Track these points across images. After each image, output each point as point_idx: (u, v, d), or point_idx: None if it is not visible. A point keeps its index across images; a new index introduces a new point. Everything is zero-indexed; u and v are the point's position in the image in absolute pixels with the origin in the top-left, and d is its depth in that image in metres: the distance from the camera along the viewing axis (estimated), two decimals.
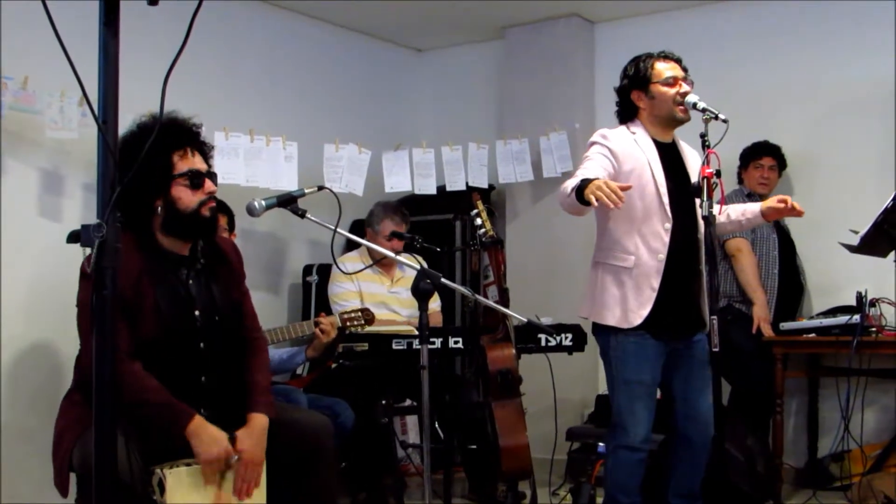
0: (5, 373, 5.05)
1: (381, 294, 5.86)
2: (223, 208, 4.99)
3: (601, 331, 4.47)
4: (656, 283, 4.29)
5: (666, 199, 4.30)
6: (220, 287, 3.75)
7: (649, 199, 4.30)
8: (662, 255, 4.29)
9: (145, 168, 3.37)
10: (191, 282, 3.67)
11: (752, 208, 4.50)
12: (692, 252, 4.32)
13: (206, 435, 3.42)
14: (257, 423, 3.61)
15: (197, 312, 3.64)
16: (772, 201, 4.39)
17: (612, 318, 4.36)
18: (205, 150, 3.71)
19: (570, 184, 4.04)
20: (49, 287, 5.10)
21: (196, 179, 3.60)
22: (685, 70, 4.42)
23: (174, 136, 3.58)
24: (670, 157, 4.42)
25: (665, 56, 4.42)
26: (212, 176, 3.67)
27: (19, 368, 5.11)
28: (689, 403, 4.43)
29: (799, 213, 4.30)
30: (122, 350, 3.36)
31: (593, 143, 4.35)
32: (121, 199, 2.01)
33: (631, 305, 4.31)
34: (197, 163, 3.63)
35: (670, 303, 4.30)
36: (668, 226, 4.30)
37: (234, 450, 3.46)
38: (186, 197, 3.59)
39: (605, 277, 4.40)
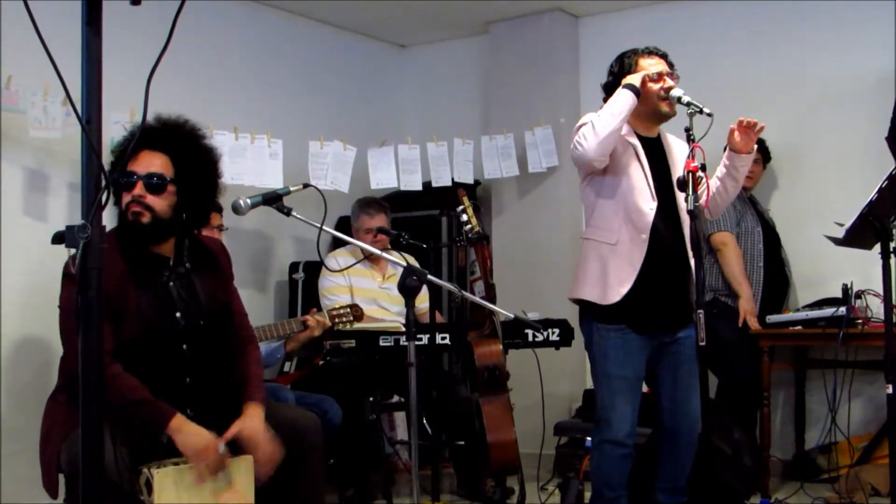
0: None
1: (372, 290, 5.86)
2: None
3: (585, 322, 4.51)
4: (638, 263, 4.30)
5: (651, 180, 4.33)
6: (205, 289, 3.74)
7: (635, 178, 4.33)
8: (645, 236, 4.30)
9: (116, 172, 3.39)
10: (171, 284, 3.66)
11: (725, 160, 4.45)
12: (678, 246, 4.32)
13: (189, 429, 3.44)
14: (255, 412, 3.65)
15: (178, 315, 3.63)
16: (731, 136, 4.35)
17: (592, 294, 4.39)
18: (179, 152, 3.65)
19: (603, 111, 4.26)
20: (34, 286, 5.08)
21: (127, 180, 3.56)
22: (671, 65, 4.44)
23: (140, 138, 3.55)
24: (654, 152, 4.44)
25: (650, 51, 4.44)
26: (153, 178, 3.57)
27: (6, 366, 5.09)
28: (676, 401, 4.44)
29: (752, 123, 4.27)
30: (104, 352, 3.36)
31: (584, 125, 4.33)
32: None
33: (611, 282, 4.32)
34: (143, 165, 3.57)
35: (654, 294, 4.31)
36: (654, 205, 4.31)
37: (219, 443, 3.47)
38: (122, 199, 3.59)
39: (589, 254, 4.44)
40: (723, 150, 6.08)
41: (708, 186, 4.22)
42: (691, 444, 4.44)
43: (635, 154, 4.37)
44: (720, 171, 4.45)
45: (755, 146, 4.41)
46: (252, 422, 3.60)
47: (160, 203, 3.58)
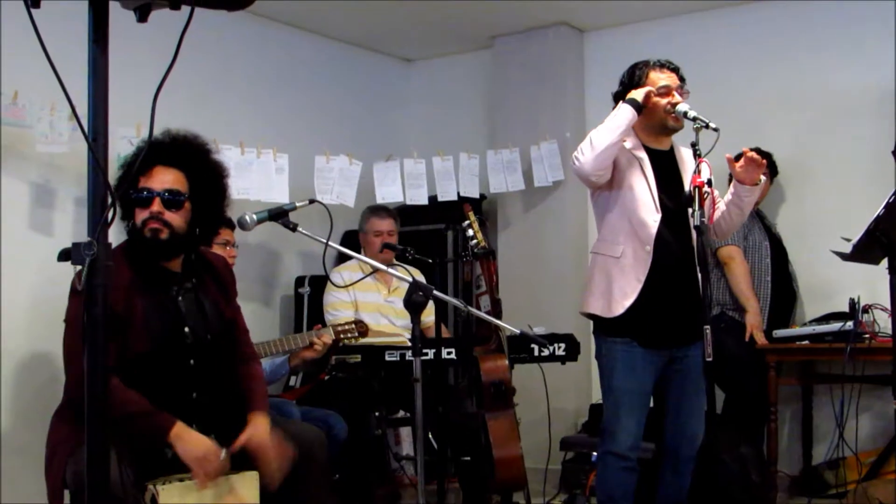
0: None
1: (377, 303, 5.85)
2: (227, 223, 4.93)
3: (595, 336, 4.51)
4: (642, 275, 4.28)
5: (655, 192, 4.31)
6: (211, 304, 3.75)
7: (639, 191, 4.31)
8: (650, 247, 4.28)
9: (124, 187, 3.43)
10: (180, 298, 3.66)
11: (731, 189, 4.46)
12: (686, 259, 4.30)
13: (190, 437, 3.44)
14: (260, 420, 3.66)
15: (186, 329, 3.63)
16: (731, 165, 4.35)
17: (597, 307, 4.39)
18: (192, 168, 3.65)
19: (604, 126, 4.24)
20: (40, 301, 5.08)
21: (142, 196, 3.56)
22: (682, 80, 4.41)
23: (148, 154, 3.54)
24: (664, 164, 4.42)
25: (661, 65, 4.41)
26: (172, 195, 3.56)
27: (8, 382, 5.08)
28: (679, 417, 4.43)
29: (757, 160, 4.27)
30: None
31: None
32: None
33: (615, 295, 4.31)
34: (158, 181, 3.56)
35: (661, 306, 4.30)
36: (658, 217, 4.29)
37: (221, 450, 3.46)
38: (137, 215, 3.57)
39: (596, 268, 4.45)
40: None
41: (714, 201, 4.20)
42: (690, 460, 4.44)
43: (640, 168, 4.35)
44: (727, 197, 4.45)
45: (761, 178, 4.38)
46: (258, 431, 3.60)
47: (178, 219, 3.58)
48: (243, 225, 3.65)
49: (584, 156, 4.23)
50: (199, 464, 3.40)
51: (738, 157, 4.35)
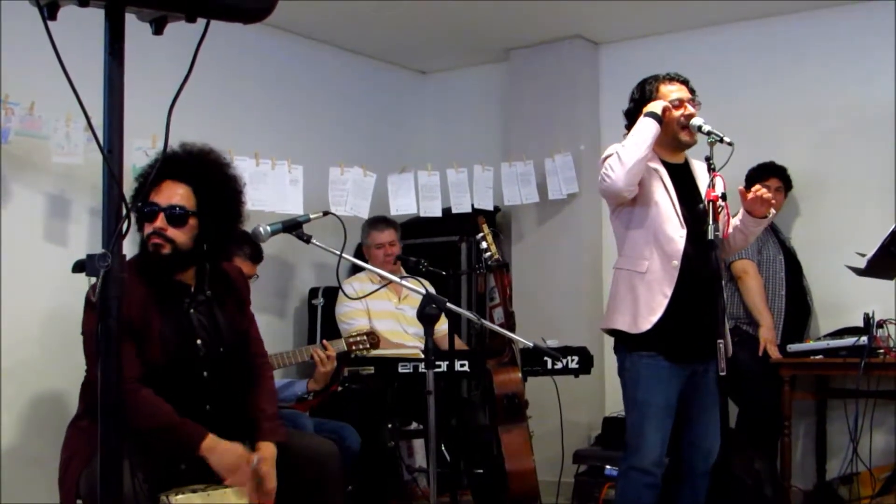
0: (11, 397, 5.03)
1: (389, 310, 5.85)
2: (245, 242, 4.90)
3: (618, 351, 4.48)
4: (669, 290, 4.26)
5: (678, 207, 4.30)
6: (226, 316, 3.74)
7: (663, 206, 4.31)
8: (676, 262, 4.26)
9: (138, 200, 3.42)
10: (192, 311, 3.66)
11: (740, 216, 4.47)
12: (708, 274, 4.28)
13: (221, 448, 3.47)
14: (267, 453, 3.64)
15: (199, 342, 3.63)
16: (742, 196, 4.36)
17: (623, 323, 4.36)
18: (202, 183, 3.64)
19: (627, 142, 4.25)
20: (54, 311, 5.09)
21: (147, 211, 3.57)
22: (692, 92, 4.41)
23: (163, 167, 3.55)
24: (681, 178, 4.42)
25: (671, 78, 4.42)
26: (175, 210, 3.56)
27: (24, 393, 5.09)
28: (695, 430, 4.42)
29: (767, 199, 4.27)
30: (132, 376, 3.37)
31: (609, 156, 4.32)
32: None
33: (641, 310, 4.29)
34: (164, 196, 3.57)
35: (684, 322, 4.28)
36: (683, 232, 4.29)
37: (252, 456, 3.49)
38: (144, 229, 3.59)
39: (620, 283, 4.42)
40: (745, 177, 6.07)
41: (729, 216, 4.19)
42: (705, 475, 4.42)
43: (661, 180, 4.34)
44: (735, 222, 4.43)
45: (772, 211, 4.38)
46: (262, 464, 3.60)
47: (181, 235, 3.58)
48: (257, 237, 3.66)
49: (614, 172, 4.21)
50: (232, 473, 3.44)
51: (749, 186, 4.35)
